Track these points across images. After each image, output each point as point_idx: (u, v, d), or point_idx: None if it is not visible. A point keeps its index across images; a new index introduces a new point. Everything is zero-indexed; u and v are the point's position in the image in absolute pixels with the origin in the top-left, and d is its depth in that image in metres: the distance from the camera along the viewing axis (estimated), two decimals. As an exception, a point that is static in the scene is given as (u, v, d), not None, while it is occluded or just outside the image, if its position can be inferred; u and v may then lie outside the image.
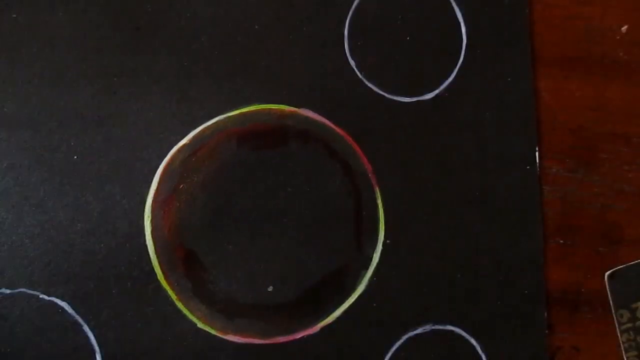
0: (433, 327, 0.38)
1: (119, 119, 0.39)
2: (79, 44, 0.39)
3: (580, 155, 0.41)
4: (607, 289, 0.40)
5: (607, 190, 0.41)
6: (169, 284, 0.38)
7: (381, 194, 0.39)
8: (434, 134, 0.40)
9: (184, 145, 0.39)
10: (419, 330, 0.38)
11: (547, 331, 0.40)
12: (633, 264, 0.40)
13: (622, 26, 0.42)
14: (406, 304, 0.38)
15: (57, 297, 0.37)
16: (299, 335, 0.38)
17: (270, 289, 0.38)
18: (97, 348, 0.37)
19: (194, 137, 0.39)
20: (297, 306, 0.38)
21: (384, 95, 0.40)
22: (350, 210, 0.39)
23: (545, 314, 0.39)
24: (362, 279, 0.39)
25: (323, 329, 0.38)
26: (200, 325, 0.38)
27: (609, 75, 0.42)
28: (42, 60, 0.39)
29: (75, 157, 0.38)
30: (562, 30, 0.42)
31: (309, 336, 0.38)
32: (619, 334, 0.40)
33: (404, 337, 0.38)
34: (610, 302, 0.40)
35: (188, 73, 0.39)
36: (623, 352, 0.40)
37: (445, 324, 0.38)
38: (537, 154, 0.41)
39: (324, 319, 0.38)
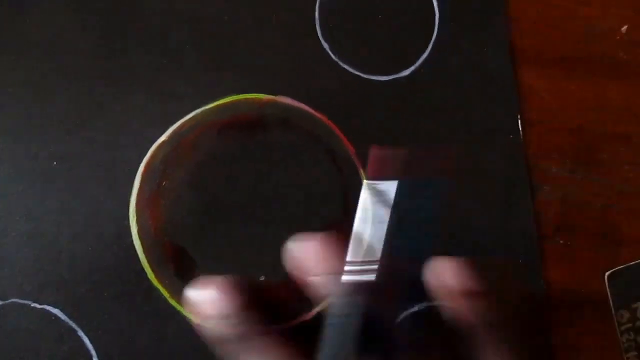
0: (428, 304, 0.38)
1: (97, 121, 0.38)
2: (52, 49, 0.39)
3: (580, 155, 0.41)
4: (607, 289, 0.40)
5: (607, 190, 0.41)
6: (161, 282, 0.38)
7: (366, 176, 0.39)
8: (414, 111, 0.40)
9: (164, 142, 0.39)
10: (415, 309, 0.38)
11: (547, 331, 0.40)
12: (633, 264, 0.40)
13: (622, 26, 0.42)
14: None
15: (49, 305, 0.37)
16: (294, 323, 0.38)
17: (262, 278, 0.38)
18: (93, 352, 0.37)
19: (173, 133, 0.39)
20: (289, 295, 0.38)
21: (360, 76, 0.40)
22: (336, 194, 0.39)
23: (542, 283, 0.39)
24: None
25: (318, 314, 0.38)
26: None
27: (609, 75, 0.42)
28: (16, 67, 0.38)
29: (55, 163, 0.38)
30: (562, 30, 0.42)
31: (304, 322, 0.38)
32: (619, 334, 0.40)
33: (400, 317, 0.38)
34: (610, 302, 0.40)
35: (163, 69, 0.39)
36: (623, 352, 0.40)
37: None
38: (519, 122, 0.40)
39: (317, 305, 0.38)
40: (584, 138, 0.41)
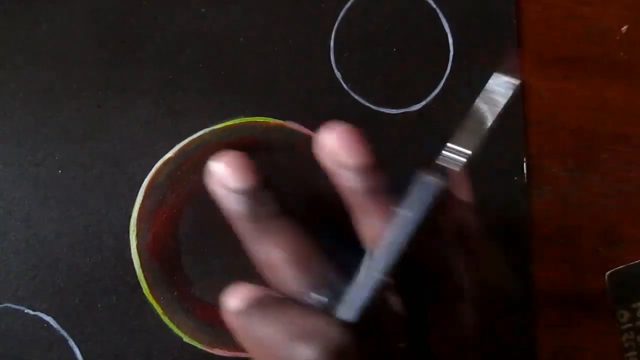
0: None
1: (104, 132, 0.38)
2: (63, 58, 0.39)
3: (580, 155, 0.41)
4: (607, 289, 0.40)
5: (607, 190, 0.41)
6: (155, 298, 0.38)
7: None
8: (421, 146, 0.40)
9: (169, 158, 0.39)
10: None
11: (547, 331, 0.40)
12: (633, 264, 0.40)
13: (622, 26, 0.42)
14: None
15: (43, 312, 0.37)
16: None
17: None
18: None
19: (179, 151, 0.39)
20: None
21: (370, 107, 0.40)
22: (338, 221, 0.39)
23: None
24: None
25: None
26: (186, 339, 0.37)
27: (609, 75, 0.42)
28: (26, 74, 0.38)
29: (59, 171, 0.38)
30: (562, 30, 0.42)
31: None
32: (619, 334, 0.40)
33: None
34: (610, 302, 0.40)
35: (173, 86, 0.39)
36: (623, 352, 0.40)
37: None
38: (524, 165, 0.41)
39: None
40: (584, 138, 0.41)
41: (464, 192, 0.28)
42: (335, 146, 0.28)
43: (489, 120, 0.27)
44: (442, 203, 0.26)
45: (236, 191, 0.28)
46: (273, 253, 0.28)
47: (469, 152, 0.27)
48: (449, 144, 0.27)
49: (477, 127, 0.27)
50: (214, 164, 0.27)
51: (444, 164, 0.27)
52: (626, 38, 0.42)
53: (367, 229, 0.27)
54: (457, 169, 0.26)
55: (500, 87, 0.27)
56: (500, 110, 0.27)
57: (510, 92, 0.27)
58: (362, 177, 0.27)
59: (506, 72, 0.27)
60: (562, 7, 0.42)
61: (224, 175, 0.28)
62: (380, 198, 0.27)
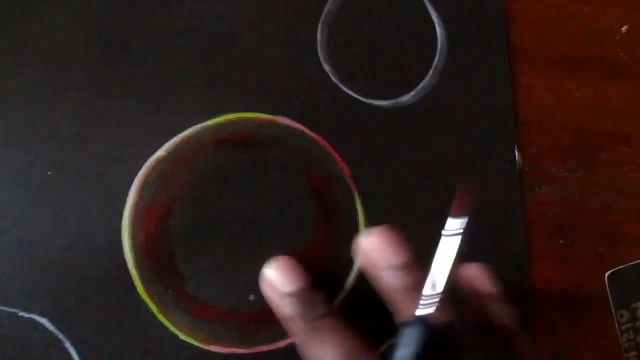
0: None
1: (94, 132, 0.38)
2: (52, 58, 0.38)
3: (580, 155, 0.41)
4: (607, 289, 0.40)
5: (607, 190, 0.41)
6: (150, 296, 0.38)
7: (360, 199, 0.39)
8: (412, 137, 0.40)
9: (160, 156, 0.39)
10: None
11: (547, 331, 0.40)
12: (633, 264, 0.40)
13: (622, 26, 0.42)
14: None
15: (37, 314, 0.37)
16: (283, 344, 0.38)
17: (251, 297, 0.38)
18: None
19: (170, 148, 0.39)
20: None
21: (360, 99, 0.40)
22: (329, 215, 0.39)
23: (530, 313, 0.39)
24: (343, 284, 0.39)
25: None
26: (182, 337, 0.37)
27: (609, 75, 0.42)
28: (16, 75, 0.38)
29: (50, 172, 0.38)
30: (562, 30, 0.42)
31: (293, 344, 0.38)
32: (619, 334, 0.40)
33: (388, 343, 0.38)
34: (610, 302, 0.40)
35: (162, 84, 0.39)
36: (623, 352, 0.40)
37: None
38: (516, 154, 0.40)
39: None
40: (584, 138, 0.41)
41: (487, 284, 0.29)
42: (376, 248, 0.29)
43: (452, 259, 0.29)
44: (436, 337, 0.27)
45: (287, 295, 0.29)
46: (327, 356, 0.28)
47: (438, 299, 0.28)
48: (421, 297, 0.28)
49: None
50: (267, 269, 0.30)
51: (423, 314, 0.28)
52: (626, 38, 0.42)
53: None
54: (432, 310, 0.28)
55: (455, 227, 0.30)
56: (460, 248, 0.29)
57: (461, 229, 0.29)
58: (403, 274, 0.29)
59: (458, 214, 0.30)
60: (562, 7, 0.42)
61: (275, 280, 0.29)
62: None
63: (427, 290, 0.28)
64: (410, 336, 0.27)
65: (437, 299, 0.27)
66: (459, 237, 0.29)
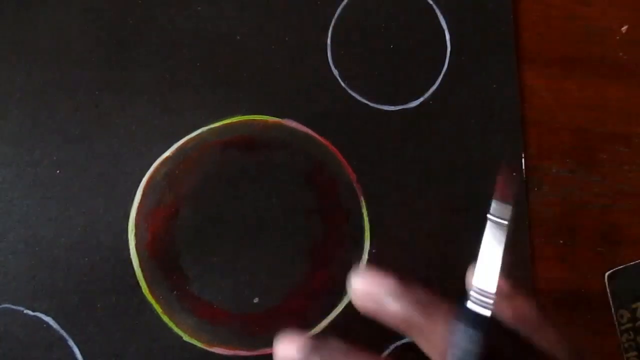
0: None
1: (102, 132, 0.38)
2: (59, 58, 0.39)
3: (580, 155, 0.41)
4: (607, 289, 0.40)
5: (607, 190, 0.41)
6: (154, 297, 0.38)
7: (366, 203, 0.39)
8: (419, 142, 0.40)
9: (167, 157, 0.39)
10: (406, 339, 0.38)
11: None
12: (633, 264, 0.40)
13: (622, 26, 0.42)
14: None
15: (42, 312, 0.37)
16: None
17: (256, 300, 0.38)
18: None
19: (177, 150, 0.39)
20: (283, 317, 0.38)
21: (367, 104, 0.40)
22: (336, 219, 0.39)
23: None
24: (349, 289, 0.39)
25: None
26: (186, 338, 0.37)
27: (609, 75, 0.42)
28: (23, 74, 0.38)
29: (57, 171, 0.38)
30: (562, 30, 0.42)
31: None
32: (619, 334, 0.40)
33: (392, 346, 0.38)
34: (610, 302, 0.40)
35: (170, 85, 0.39)
36: (623, 352, 0.40)
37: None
38: (522, 160, 0.41)
39: (311, 329, 0.38)
40: (584, 138, 0.41)
41: (549, 331, 0.29)
42: (367, 287, 0.29)
43: (501, 249, 0.28)
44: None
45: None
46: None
47: (493, 295, 0.27)
48: (473, 288, 0.28)
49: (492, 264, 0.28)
50: (278, 345, 0.29)
51: (475, 309, 0.27)
52: (626, 38, 0.42)
53: (431, 347, 0.28)
54: (487, 313, 0.27)
55: (501, 214, 0.29)
56: (508, 236, 0.28)
57: (508, 217, 0.28)
58: (400, 298, 0.28)
59: (504, 198, 0.28)
60: (562, 7, 0.42)
61: (281, 357, 0.28)
62: (429, 310, 0.28)
63: (477, 282, 0.27)
64: (468, 335, 0.26)
65: (492, 299, 0.27)
66: (506, 226, 0.28)
